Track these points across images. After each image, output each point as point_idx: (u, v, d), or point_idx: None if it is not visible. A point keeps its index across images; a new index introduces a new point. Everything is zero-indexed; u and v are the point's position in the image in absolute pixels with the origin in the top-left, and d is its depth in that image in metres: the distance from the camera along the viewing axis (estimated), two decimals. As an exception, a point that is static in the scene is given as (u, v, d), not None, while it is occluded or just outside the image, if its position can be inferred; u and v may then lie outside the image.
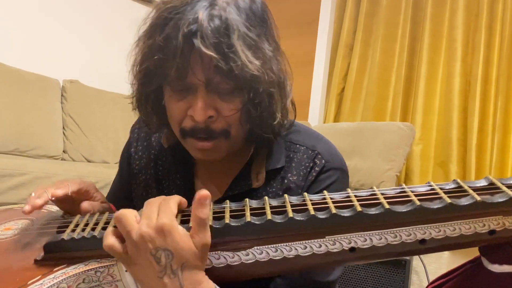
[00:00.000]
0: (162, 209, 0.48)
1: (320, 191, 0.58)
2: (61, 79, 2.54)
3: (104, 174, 1.94)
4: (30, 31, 2.49)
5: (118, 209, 0.80)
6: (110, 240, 0.48)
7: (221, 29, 0.56)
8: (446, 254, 1.83)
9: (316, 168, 0.70)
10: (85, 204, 0.67)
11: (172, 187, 0.77)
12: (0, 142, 2.10)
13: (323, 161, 0.71)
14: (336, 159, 0.73)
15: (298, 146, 0.73)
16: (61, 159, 2.40)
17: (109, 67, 2.87)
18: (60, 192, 0.64)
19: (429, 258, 1.77)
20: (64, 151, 2.43)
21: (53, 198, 0.64)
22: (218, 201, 0.69)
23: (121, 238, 0.49)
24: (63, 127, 2.47)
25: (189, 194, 0.75)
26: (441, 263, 1.81)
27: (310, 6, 3.19)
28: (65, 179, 0.70)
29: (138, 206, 0.82)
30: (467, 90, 2.58)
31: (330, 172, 0.71)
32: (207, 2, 0.58)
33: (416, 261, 1.70)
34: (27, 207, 0.62)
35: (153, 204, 0.49)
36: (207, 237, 0.47)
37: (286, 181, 0.71)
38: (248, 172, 0.71)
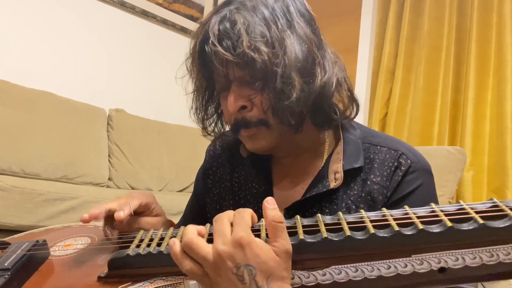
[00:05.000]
0: (236, 222, 0.45)
1: (408, 194, 0.53)
2: (107, 108, 2.62)
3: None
4: (78, 62, 2.61)
5: None
6: (187, 264, 0.46)
7: (227, 27, 0.61)
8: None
9: (402, 168, 0.67)
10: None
11: (249, 196, 0.77)
12: (50, 169, 2.17)
13: (409, 161, 0.67)
14: (422, 160, 0.69)
15: (379, 147, 0.70)
16: (106, 186, 2.44)
17: (153, 96, 2.95)
18: (123, 214, 0.63)
19: (491, 284, 1.62)
20: (109, 179, 2.48)
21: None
22: (297, 204, 0.70)
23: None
24: (109, 155, 2.53)
25: None
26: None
27: (349, 34, 3.18)
28: (122, 196, 0.69)
29: (212, 221, 0.84)
30: (521, 112, 2.46)
31: (417, 173, 0.67)
32: (227, 10, 0.63)
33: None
34: (86, 216, 0.61)
35: (223, 220, 0.47)
36: (287, 242, 0.43)
37: (368, 182, 0.68)
38: (325, 174, 0.70)
